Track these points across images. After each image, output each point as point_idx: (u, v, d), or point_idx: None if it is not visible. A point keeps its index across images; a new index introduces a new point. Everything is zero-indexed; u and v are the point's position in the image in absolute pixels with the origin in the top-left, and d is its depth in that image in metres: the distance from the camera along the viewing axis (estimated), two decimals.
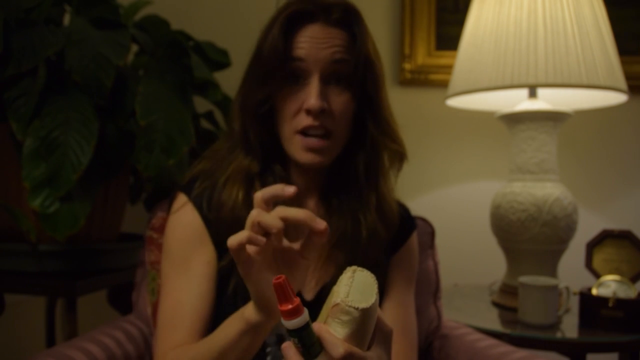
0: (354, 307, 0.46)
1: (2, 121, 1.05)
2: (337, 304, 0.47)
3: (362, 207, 0.79)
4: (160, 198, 1.21)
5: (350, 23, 0.75)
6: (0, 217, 1.12)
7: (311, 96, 0.72)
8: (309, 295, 0.79)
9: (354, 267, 0.50)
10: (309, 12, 0.74)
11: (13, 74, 1.00)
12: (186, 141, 1.11)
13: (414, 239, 0.90)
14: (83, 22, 1.10)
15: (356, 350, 0.47)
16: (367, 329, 0.48)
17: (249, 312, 0.60)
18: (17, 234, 1.10)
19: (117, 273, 1.21)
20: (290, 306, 0.45)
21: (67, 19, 1.24)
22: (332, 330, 0.47)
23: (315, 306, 0.71)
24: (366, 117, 0.78)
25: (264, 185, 0.77)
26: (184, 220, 0.79)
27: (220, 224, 0.76)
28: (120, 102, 1.11)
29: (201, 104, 1.43)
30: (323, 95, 0.72)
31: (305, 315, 0.46)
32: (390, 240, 0.83)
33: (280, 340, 0.76)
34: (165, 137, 1.08)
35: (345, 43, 0.74)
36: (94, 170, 1.05)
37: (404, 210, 0.90)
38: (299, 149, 0.74)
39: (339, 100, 0.74)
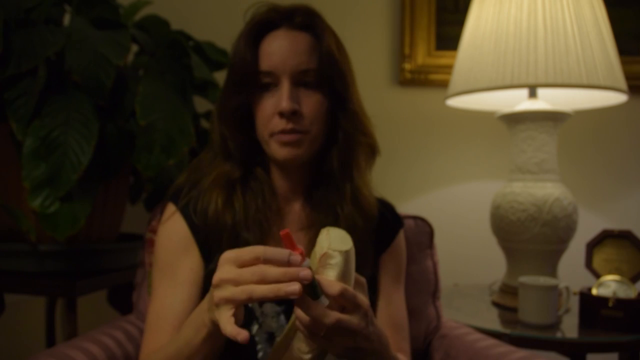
0: (338, 251, 0.56)
1: (2, 121, 1.05)
2: (324, 253, 0.56)
3: (339, 200, 0.82)
4: (160, 198, 1.21)
5: (313, 25, 0.79)
6: (0, 217, 1.12)
7: (282, 99, 0.75)
8: None
9: (327, 227, 0.59)
10: (273, 21, 0.79)
11: (13, 74, 1.00)
12: (186, 141, 1.11)
13: (401, 237, 0.92)
14: (83, 22, 1.10)
15: (348, 287, 0.56)
16: (350, 270, 0.58)
17: (209, 319, 0.60)
18: (17, 234, 1.10)
19: (117, 273, 1.21)
20: (297, 253, 0.54)
21: (67, 19, 1.24)
22: (325, 276, 0.56)
23: None
24: (338, 114, 0.81)
25: (245, 189, 0.81)
26: (171, 229, 0.82)
27: (206, 230, 0.79)
28: (120, 102, 1.11)
29: (201, 104, 1.43)
30: (294, 97, 0.76)
31: (307, 260, 0.55)
32: (377, 240, 0.85)
33: (271, 337, 0.77)
34: (165, 137, 1.08)
35: (309, 46, 0.78)
36: (94, 170, 1.05)
37: (389, 209, 0.92)
38: (276, 147, 0.78)
39: (310, 102, 0.78)
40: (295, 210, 0.85)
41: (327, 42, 0.79)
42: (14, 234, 1.11)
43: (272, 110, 0.77)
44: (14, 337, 1.55)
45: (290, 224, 0.84)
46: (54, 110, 1.01)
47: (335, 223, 0.80)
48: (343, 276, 0.57)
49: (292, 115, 0.76)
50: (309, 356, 0.60)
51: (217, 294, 0.54)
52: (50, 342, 1.48)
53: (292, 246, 0.54)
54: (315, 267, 0.57)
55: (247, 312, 0.76)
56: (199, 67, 1.24)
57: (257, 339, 0.77)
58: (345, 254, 0.56)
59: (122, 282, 1.24)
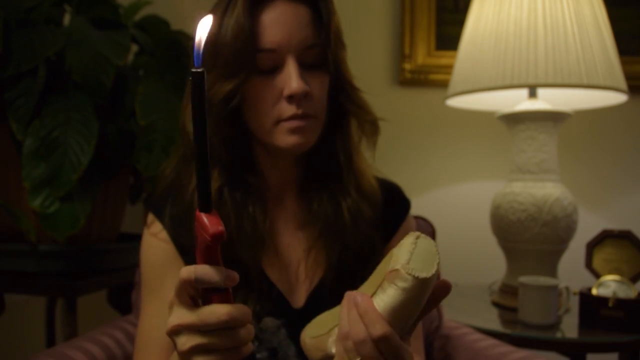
0: (414, 276, 0.44)
1: (2, 121, 1.05)
2: (396, 270, 0.45)
3: (341, 189, 0.74)
4: None
5: None
6: (0, 217, 1.12)
7: (292, 80, 0.65)
8: (298, 303, 0.74)
9: (417, 233, 0.47)
10: None
11: (13, 74, 1.00)
12: None
13: (411, 219, 0.83)
14: (83, 22, 1.10)
15: (393, 335, 0.45)
16: (421, 300, 0.46)
17: None
18: (17, 234, 1.10)
19: (117, 273, 1.21)
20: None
21: (67, 19, 1.24)
22: (385, 296, 0.46)
23: (306, 314, 0.68)
24: (339, 94, 0.73)
25: (234, 197, 0.71)
26: (154, 243, 0.74)
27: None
28: (120, 102, 1.11)
29: None
30: (303, 78, 0.66)
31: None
32: (383, 225, 0.77)
33: (273, 354, 0.71)
34: (165, 137, 1.08)
35: (311, 19, 0.68)
36: (94, 170, 1.05)
37: (396, 190, 0.84)
38: (283, 135, 0.68)
39: (317, 83, 0.69)
40: (290, 206, 0.77)
41: (331, 15, 0.68)
42: (14, 234, 1.11)
43: (276, 94, 0.67)
44: (14, 337, 1.55)
45: (288, 222, 0.77)
46: (54, 110, 1.01)
47: (338, 214, 0.73)
48: (407, 305, 0.46)
49: (303, 98, 0.66)
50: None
51: (182, 343, 0.45)
52: (50, 342, 1.48)
53: (215, 259, 0.44)
54: (380, 278, 0.48)
55: None
56: None
57: (258, 356, 0.70)
58: (422, 281, 0.45)
59: (122, 282, 1.24)
